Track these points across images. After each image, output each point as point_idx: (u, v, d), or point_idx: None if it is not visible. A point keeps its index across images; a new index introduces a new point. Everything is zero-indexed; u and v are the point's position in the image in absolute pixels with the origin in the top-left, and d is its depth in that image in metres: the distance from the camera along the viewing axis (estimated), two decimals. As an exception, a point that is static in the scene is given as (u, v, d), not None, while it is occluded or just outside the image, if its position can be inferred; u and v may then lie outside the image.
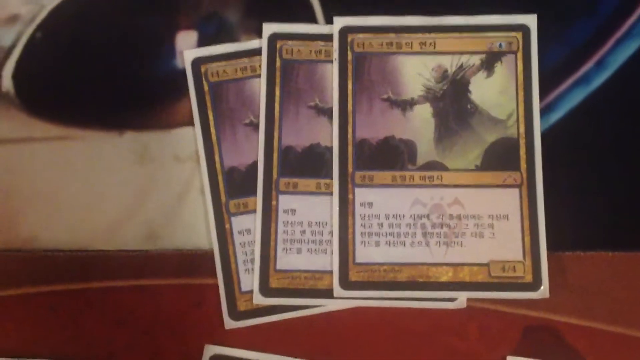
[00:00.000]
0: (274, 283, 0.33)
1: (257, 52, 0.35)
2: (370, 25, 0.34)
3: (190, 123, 0.34)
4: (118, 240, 0.34)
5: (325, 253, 0.33)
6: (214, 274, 0.33)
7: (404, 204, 0.33)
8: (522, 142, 0.33)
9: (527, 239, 0.33)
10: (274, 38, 0.35)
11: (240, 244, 0.33)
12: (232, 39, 0.35)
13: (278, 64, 0.34)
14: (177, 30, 0.35)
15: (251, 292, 0.33)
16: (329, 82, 0.34)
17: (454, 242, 0.33)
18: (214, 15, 0.35)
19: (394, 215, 0.33)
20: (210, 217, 0.34)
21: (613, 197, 0.34)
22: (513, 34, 0.34)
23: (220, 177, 0.34)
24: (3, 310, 0.33)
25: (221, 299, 0.33)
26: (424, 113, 0.34)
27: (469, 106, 0.34)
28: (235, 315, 0.33)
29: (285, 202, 0.33)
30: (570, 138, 0.34)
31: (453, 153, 0.33)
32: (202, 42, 0.35)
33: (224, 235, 0.33)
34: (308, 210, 0.33)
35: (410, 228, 0.33)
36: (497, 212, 0.33)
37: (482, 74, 0.34)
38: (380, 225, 0.33)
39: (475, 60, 0.34)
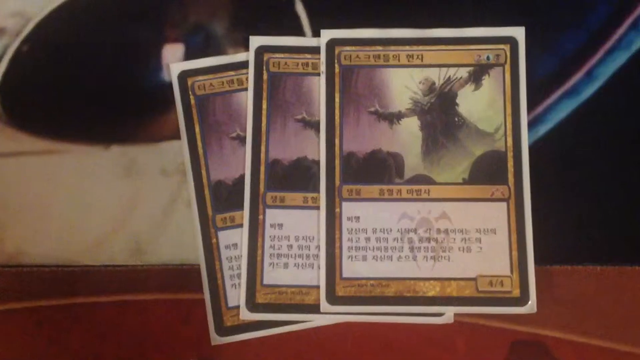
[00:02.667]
0: (260, 298, 0.33)
1: (244, 65, 0.34)
2: (358, 37, 0.34)
3: (177, 136, 0.34)
4: (104, 255, 0.34)
5: (312, 268, 0.33)
6: (200, 289, 0.33)
7: (391, 218, 0.33)
8: (509, 155, 0.33)
9: (515, 253, 0.32)
10: (261, 51, 0.34)
11: (227, 258, 0.33)
12: (219, 51, 0.35)
13: (265, 77, 0.34)
14: (164, 43, 0.35)
15: (238, 307, 0.33)
16: (316, 95, 0.34)
17: (442, 257, 0.33)
18: (200, 28, 0.35)
19: (381, 230, 0.33)
20: (196, 231, 0.33)
21: (601, 211, 0.33)
22: (501, 46, 0.34)
23: (206, 191, 0.34)
24: (-11, 326, 0.33)
25: (207, 315, 0.33)
26: (411, 126, 0.34)
27: (456, 119, 0.34)
28: (222, 330, 0.33)
29: (272, 216, 0.33)
30: (558, 151, 0.34)
31: (440, 166, 0.33)
32: (189, 55, 0.35)
33: (210, 250, 0.33)
34: (295, 225, 0.33)
35: (397, 242, 0.33)
36: (484, 226, 0.33)
37: (469, 87, 0.34)
38: (368, 239, 0.33)
39: (463, 73, 0.34)
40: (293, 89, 0.34)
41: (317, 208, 0.33)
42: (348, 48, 0.34)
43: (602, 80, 0.34)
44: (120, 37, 0.35)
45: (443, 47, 0.34)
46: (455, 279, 0.32)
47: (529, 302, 0.32)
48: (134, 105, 0.35)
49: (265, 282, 0.33)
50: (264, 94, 0.34)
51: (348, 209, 0.33)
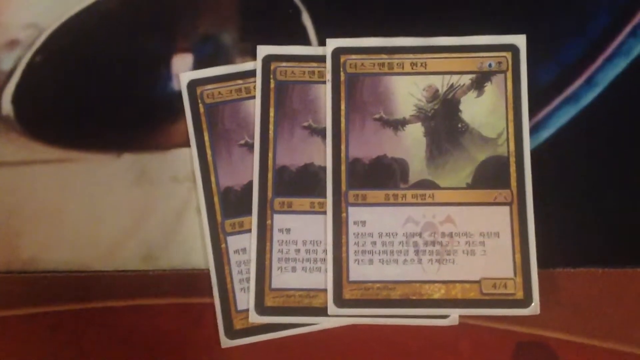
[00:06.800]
0: (269, 301, 0.33)
1: (251, 73, 0.35)
2: (363, 46, 0.35)
3: (187, 144, 0.35)
4: (117, 261, 0.35)
5: (320, 271, 0.34)
6: (210, 293, 0.34)
7: (396, 222, 0.34)
8: (512, 160, 0.34)
9: (518, 256, 0.33)
10: (268, 60, 0.35)
11: (236, 263, 0.34)
12: (227, 61, 0.36)
13: (272, 85, 0.35)
14: (173, 53, 0.36)
15: (247, 310, 0.33)
16: (322, 103, 0.35)
17: (446, 260, 0.33)
18: (209, 38, 0.36)
19: (386, 234, 0.34)
20: (206, 236, 0.34)
21: (603, 214, 0.34)
22: (502, 54, 0.35)
23: (216, 197, 0.35)
24: (4, 330, 0.34)
25: (217, 318, 0.33)
26: (415, 132, 0.34)
27: (459, 125, 0.34)
28: (232, 333, 0.33)
29: (280, 221, 0.34)
30: (559, 156, 0.34)
31: (444, 171, 0.34)
32: (198, 65, 0.36)
33: (220, 255, 0.34)
34: (302, 229, 0.34)
35: (403, 246, 0.34)
36: (488, 230, 0.33)
37: (472, 94, 0.34)
38: (374, 243, 0.34)
39: (466, 80, 0.35)
40: (300, 96, 0.35)
41: (324, 213, 0.34)
42: (353, 56, 0.35)
43: (601, 87, 0.35)
44: (131, 47, 0.36)
45: (446, 55, 0.35)
46: (460, 282, 0.33)
47: (533, 304, 0.33)
48: (145, 114, 0.36)
49: (273, 285, 0.34)
50: (272, 102, 0.35)
51: (354, 213, 0.34)
